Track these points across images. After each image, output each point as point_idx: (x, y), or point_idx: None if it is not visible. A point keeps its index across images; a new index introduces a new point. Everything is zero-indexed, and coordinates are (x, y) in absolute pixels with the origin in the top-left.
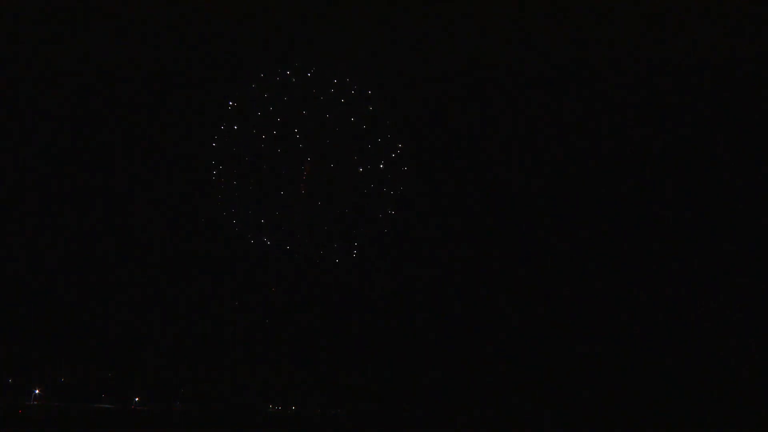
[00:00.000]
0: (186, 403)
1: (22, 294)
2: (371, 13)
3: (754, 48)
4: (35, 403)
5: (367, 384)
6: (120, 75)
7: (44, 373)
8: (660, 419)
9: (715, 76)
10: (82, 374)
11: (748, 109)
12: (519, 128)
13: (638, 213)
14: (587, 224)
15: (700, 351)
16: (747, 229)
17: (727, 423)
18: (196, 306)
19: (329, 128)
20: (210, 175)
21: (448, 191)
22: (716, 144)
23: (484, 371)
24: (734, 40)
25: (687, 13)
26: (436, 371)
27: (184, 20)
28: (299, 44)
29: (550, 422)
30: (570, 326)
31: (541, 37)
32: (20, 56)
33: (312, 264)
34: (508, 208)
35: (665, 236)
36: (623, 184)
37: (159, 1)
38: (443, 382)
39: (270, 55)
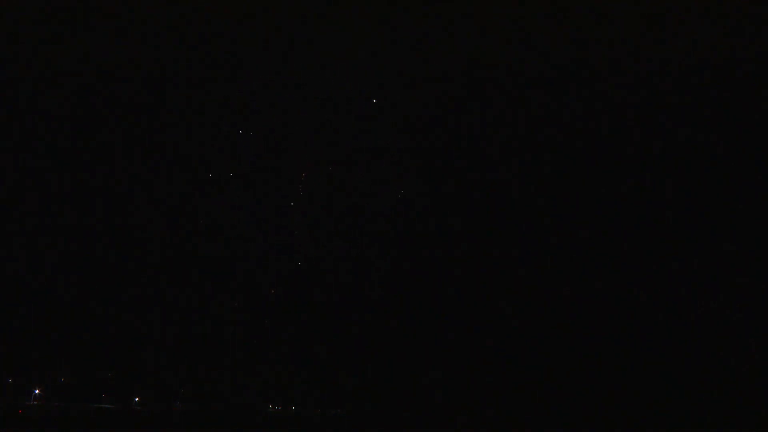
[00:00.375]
0: (186, 403)
1: (22, 294)
2: (371, 13)
3: (754, 48)
4: (35, 403)
5: (367, 384)
6: (120, 75)
7: (44, 373)
8: (660, 419)
9: (715, 76)
10: (82, 374)
11: (748, 109)
12: (519, 128)
13: (638, 213)
14: (587, 224)
15: (700, 351)
16: (747, 229)
17: (727, 423)
18: (196, 306)
19: (329, 128)
20: (210, 175)
21: (448, 191)
22: (716, 144)
23: (484, 371)
24: (734, 40)
25: (687, 13)
26: (436, 371)
27: (184, 20)
28: (299, 44)
29: (550, 422)
30: (570, 326)
31: (541, 37)
32: (20, 56)
33: (312, 264)
34: (508, 208)
35: (665, 236)
36: (623, 184)
37: (159, 1)
38: (443, 382)
39: (270, 55)
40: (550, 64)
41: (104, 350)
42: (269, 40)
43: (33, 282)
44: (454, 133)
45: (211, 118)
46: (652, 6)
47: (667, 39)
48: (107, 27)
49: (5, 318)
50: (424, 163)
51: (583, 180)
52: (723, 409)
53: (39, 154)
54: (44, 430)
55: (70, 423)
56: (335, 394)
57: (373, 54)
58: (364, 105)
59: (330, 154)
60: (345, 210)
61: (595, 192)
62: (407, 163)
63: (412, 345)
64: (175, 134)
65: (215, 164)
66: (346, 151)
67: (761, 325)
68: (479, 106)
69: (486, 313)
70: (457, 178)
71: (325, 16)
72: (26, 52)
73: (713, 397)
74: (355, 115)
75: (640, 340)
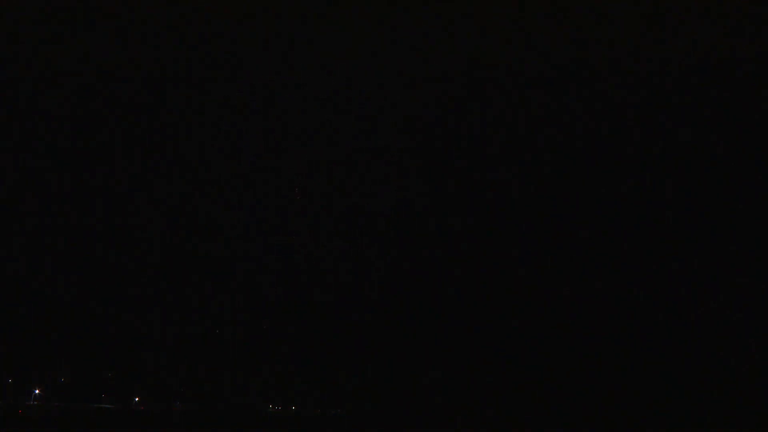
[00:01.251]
0: (186, 403)
1: (22, 294)
2: (371, 13)
3: (754, 48)
4: (35, 403)
5: (367, 384)
6: (120, 75)
7: (44, 373)
8: (660, 419)
9: (715, 76)
10: (82, 374)
11: (748, 109)
12: (519, 128)
13: (638, 212)
14: (587, 224)
15: (700, 351)
16: (747, 229)
17: (727, 423)
18: (196, 306)
19: (329, 128)
20: (210, 175)
21: (448, 191)
22: (716, 144)
23: (484, 371)
24: (734, 40)
25: (687, 13)
26: (436, 371)
27: (184, 20)
28: (299, 44)
29: (550, 422)
30: (570, 326)
31: (541, 37)
32: (20, 56)
33: (312, 264)
34: (508, 208)
35: (665, 236)
36: (623, 184)
37: (159, 1)
38: (443, 382)
39: (270, 55)
40: (550, 64)
41: (104, 350)
42: (269, 40)
43: (33, 282)
44: (454, 133)
45: (211, 118)
46: (652, 6)
47: (667, 39)
48: (107, 27)
49: (5, 318)
50: (424, 163)
51: (583, 180)
52: (723, 409)
53: (39, 154)
54: (44, 430)
55: (70, 423)
56: (335, 394)
57: (373, 54)
58: (364, 105)
59: (330, 154)
60: (345, 210)
61: (595, 192)
62: (407, 163)
63: (411, 345)
64: (175, 134)
65: (215, 164)
66: (346, 151)
67: (761, 325)
68: (479, 106)
69: (486, 313)
70: (457, 178)
71: (325, 16)
72: (26, 52)
73: (713, 397)
74: (355, 115)
75: (640, 340)
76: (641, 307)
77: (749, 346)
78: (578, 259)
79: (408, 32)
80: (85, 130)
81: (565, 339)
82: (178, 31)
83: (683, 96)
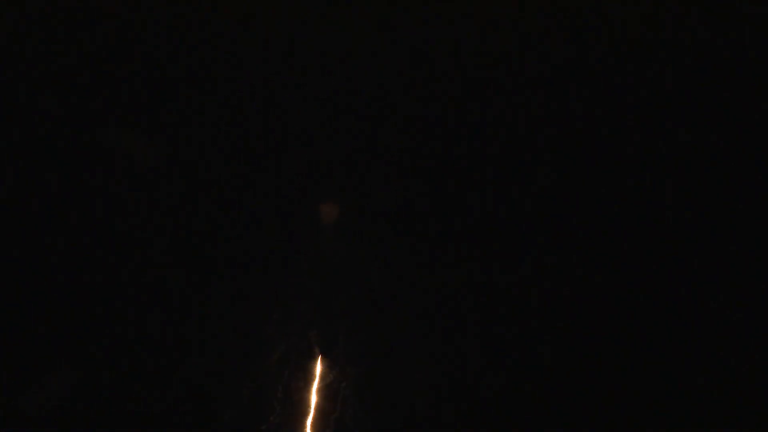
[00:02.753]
0: (186, 403)
1: (22, 294)
2: (371, 13)
3: (754, 48)
4: (35, 403)
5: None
6: (120, 75)
7: (44, 373)
8: (660, 419)
9: (715, 76)
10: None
11: (748, 109)
12: (519, 128)
13: (638, 213)
14: (588, 224)
15: (700, 351)
16: (747, 230)
17: (727, 423)
18: (196, 306)
19: (329, 128)
20: (209, 175)
21: (449, 192)
22: (716, 144)
23: (483, 371)
24: (734, 40)
25: (687, 13)
26: (436, 371)
27: (184, 20)
28: (299, 44)
29: (550, 422)
30: (570, 326)
31: (540, 37)
32: (20, 56)
33: (312, 263)
34: (509, 209)
35: (665, 237)
36: (624, 184)
37: (159, 1)
38: (443, 382)
39: (270, 54)
40: (550, 64)
41: (104, 350)
42: (269, 40)
43: (33, 282)
44: (454, 133)
45: (211, 118)
46: (652, 6)
47: (667, 39)
48: (107, 27)
49: (5, 318)
50: (423, 163)
51: (583, 180)
52: (723, 409)
53: (39, 153)
54: (44, 429)
55: (70, 423)
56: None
57: (374, 54)
58: (364, 105)
59: (329, 154)
60: (345, 210)
61: (595, 192)
62: (407, 164)
63: (411, 345)
64: (174, 134)
65: (215, 164)
66: (345, 151)
67: (761, 325)
68: (479, 106)
69: (486, 313)
70: (457, 178)
71: (325, 16)
72: (26, 52)
73: (713, 397)
74: (355, 115)
75: (640, 340)
76: (641, 307)
77: (749, 346)
78: (579, 259)
79: (408, 32)
80: (85, 130)
81: (565, 339)
82: (178, 31)
83: (683, 96)
